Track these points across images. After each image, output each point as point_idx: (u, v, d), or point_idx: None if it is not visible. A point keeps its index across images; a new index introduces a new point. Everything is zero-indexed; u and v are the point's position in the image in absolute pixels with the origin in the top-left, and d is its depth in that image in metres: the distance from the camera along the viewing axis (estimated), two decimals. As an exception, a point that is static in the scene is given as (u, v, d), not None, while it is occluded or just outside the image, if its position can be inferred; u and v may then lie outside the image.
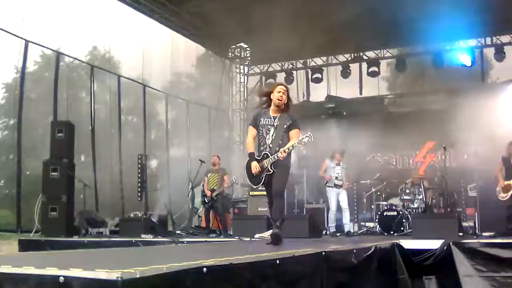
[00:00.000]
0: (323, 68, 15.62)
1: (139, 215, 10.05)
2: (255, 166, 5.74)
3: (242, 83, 16.92)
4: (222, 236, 9.48)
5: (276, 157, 5.60)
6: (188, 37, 14.45)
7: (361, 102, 14.55)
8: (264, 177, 5.76)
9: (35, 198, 9.45)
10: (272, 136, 5.75)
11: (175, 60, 14.31)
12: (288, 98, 5.83)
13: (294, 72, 16.01)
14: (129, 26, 12.90)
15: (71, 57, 12.01)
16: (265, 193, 10.71)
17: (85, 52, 12.67)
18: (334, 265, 4.63)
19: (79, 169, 10.09)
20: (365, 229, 10.52)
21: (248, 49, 16.44)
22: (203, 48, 15.55)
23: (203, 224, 11.16)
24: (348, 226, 10.24)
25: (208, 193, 10.71)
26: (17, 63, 10.66)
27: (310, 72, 15.67)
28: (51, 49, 11.61)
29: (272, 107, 5.83)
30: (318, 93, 15.49)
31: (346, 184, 10.42)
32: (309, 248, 4.65)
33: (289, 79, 15.58)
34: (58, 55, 11.58)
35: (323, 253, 4.54)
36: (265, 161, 5.71)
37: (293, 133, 5.74)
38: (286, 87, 5.91)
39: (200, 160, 10.95)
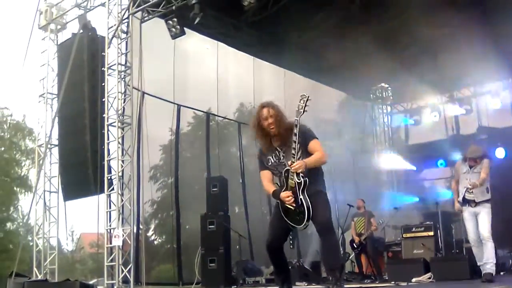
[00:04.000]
0: (472, 98, 14.91)
1: (293, 262, 10.16)
2: (286, 196, 4.45)
3: (386, 123, 16.73)
4: (377, 282, 9.23)
5: (293, 174, 4.41)
6: (328, 84, 14.74)
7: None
8: (301, 199, 4.44)
9: (195, 251, 9.96)
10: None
11: (316, 107, 14.56)
12: (279, 116, 4.61)
13: (440, 106, 15.47)
14: (271, 80, 13.49)
15: (220, 116, 12.80)
16: (421, 234, 10.45)
17: (233, 109, 13.41)
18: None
19: (233, 221, 10.52)
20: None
21: (389, 88, 16.25)
22: (344, 93, 15.69)
23: (356, 270, 10.98)
24: (491, 262, 7.01)
25: (356, 239, 10.57)
26: (171, 126, 11.63)
27: (457, 104, 15.04)
28: (201, 111, 12.49)
29: (272, 137, 4.67)
30: (468, 125, 14.72)
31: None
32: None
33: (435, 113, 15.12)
34: (208, 115, 12.45)
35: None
36: (289, 181, 4.46)
37: (312, 147, 4.58)
38: (269, 105, 4.67)
39: (348, 204, 10.88)
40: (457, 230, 11.14)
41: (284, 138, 4.56)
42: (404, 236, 10.67)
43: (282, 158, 4.58)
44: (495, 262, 7.01)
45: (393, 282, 8.19)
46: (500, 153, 13.05)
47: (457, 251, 10.32)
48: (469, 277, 7.79)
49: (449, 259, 9.33)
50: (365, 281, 9.51)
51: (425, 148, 14.99)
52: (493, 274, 6.94)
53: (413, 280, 8.00)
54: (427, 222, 10.70)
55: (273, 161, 4.63)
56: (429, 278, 8.02)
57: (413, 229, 10.60)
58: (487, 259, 6.99)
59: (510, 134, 13.31)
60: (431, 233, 10.34)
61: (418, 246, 10.17)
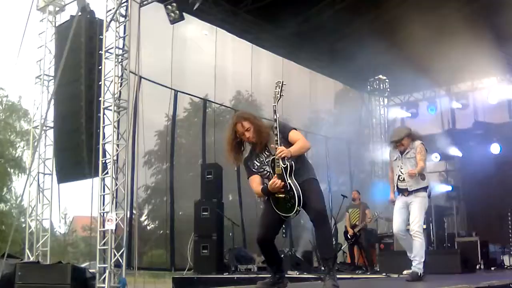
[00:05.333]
0: (469, 93, 14.93)
1: (285, 251, 10.20)
2: (273, 182, 4.36)
3: (382, 115, 16.75)
4: (368, 273, 9.28)
5: (279, 159, 4.34)
6: (326, 74, 14.73)
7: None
8: (289, 184, 4.38)
9: (187, 237, 9.98)
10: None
11: (313, 97, 14.56)
12: (254, 125, 4.53)
13: (437, 100, 15.50)
14: (268, 69, 13.46)
15: (217, 103, 12.76)
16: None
17: (230, 97, 13.37)
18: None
19: (227, 208, 10.54)
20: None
21: (387, 80, 16.27)
22: (341, 84, 15.68)
23: (348, 260, 11.05)
24: (417, 260, 6.23)
25: (350, 230, 10.62)
26: (168, 112, 11.59)
27: (454, 99, 15.06)
28: (198, 97, 12.45)
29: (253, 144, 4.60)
30: (464, 120, 14.76)
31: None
32: (462, 284, 4.43)
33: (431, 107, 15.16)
34: (205, 102, 12.41)
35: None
36: (276, 169, 4.39)
37: (292, 138, 4.52)
38: (240, 119, 4.57)
39: (342, 195, 10.91)
40: (449, 224, 11.22)
41: (262, 145, 4.53)
42: (396, 228, 10.70)
43: (266, 157, 4.54)
44: (423, 260, 6.12)
45: (384, 274, 8.24)
46: (495, 148, 13.11)
47: (449, 244, 10.39)
48: (460, 271, 7.84)
49: (441, 252, 9.41)
50: (357, 272, 9.55)
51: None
52: (420, 274, 6.07)
53: (404, 272, 7.96)
54: (420, 215, 10.74)
55: (258, 164, 4.60)
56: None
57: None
58: (414, 255, 6.15)
59: (505, 130, 13.37)
60: (424, 226, 10.38)
61: (410, 239, 10.22)
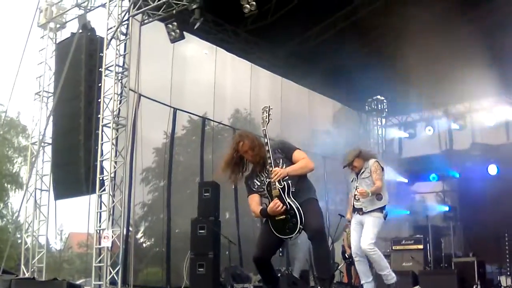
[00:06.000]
0: (466, 114, 15.00)
1: (281, 270, 10.15)
2: (273, 205, 4.37)
3: (380, 135, 16.81)
4: (366, 293, 9.22)
5: (275, 182, 4.38)
6: (324, 94, 14.81)
7: (510, 148, 13.63)
8: (289, 203, 4.39)
9: (184, 255, 9.93)
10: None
11: (312, 117, 14.63)
12: (253, 145, 4.54)
13: (435, 120, 15.57)
14: (267, 88, 13.54)
15: (216, 121, 12.80)
16: (410, 246, 10.46)
17: (228, 115, 13.41)
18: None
19: (224, 226, 10.49)
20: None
21: (385, 101, 16.35)
22: (339, 104, 15.75)
23: (345, 280, 11.01)
24: (386, 273, 6.16)
25: (348, 250, 10.59)
26: (166, 129, 11.62)
27: (452, 120, 15.12)
28: (197, 115, 12.49)
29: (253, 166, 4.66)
30: (462, 141, 14.81)
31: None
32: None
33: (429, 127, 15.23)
34: (204, 120, 12.45)
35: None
36: (273, 192, 4.42)
37: (296, 158, 4.55)
38: (244, 135, 4.64)
39: (339, 214, 10.88)
40: (446, 244, 11.21)
41: (265, 161, 4.51)
42: (393, 248, 10.74)
43: (266, 177, 4.54)
44: (390, 269, 6.08)
45: (381, 294, 8.19)
46: (492, 169, 13.13)
47: (446, 265, 10.37)
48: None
49: (438, 272, 9.41)
50: (353, 292, 9.52)
51: (418, 162, 15.06)
52: (395, 284, 5.95)
53: (402, 292, 8.00)
54: (417, 235, 10.78)
55: (258, 183, 4.61)
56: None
57: (403, 242, 10.67)
58: (381, 269, 6.02)
59: (503, 151, 13.40)
60: (421, 246, 10.41)
61: (407, 259, 10.23)
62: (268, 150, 4.42)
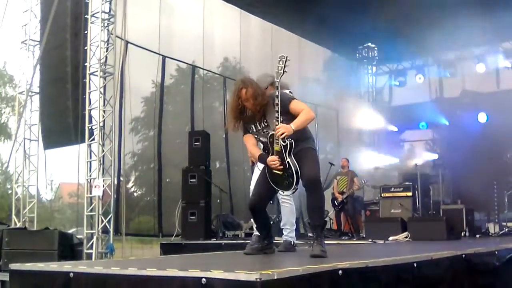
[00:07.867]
0: (457, 62, 14.91)
1: (272, 218, 10.25)
2: (272, 160, 4.25)
3: (371, 84, 16.73)
4: (354, 239, 9.39)
5: (279, 138, 4.18)
6: (315, 41, 14.59)
7: (500, 96, 13.64)
8: (288, 162, 4.24)
9: (175, 204, 10.00)
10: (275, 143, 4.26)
11: (302, 65, 14.47)
12: (255, 94, 4.33)
13: (426, 68, 15.49)
14: (257, 36, 13.30)
15: (205, 69, 12.61)
16: (399, 194, 10.58)
17: (217, 64, 13.21)
18: (475, 268, 4.42)
19: (215, 175, 10.54)
20: (506, 230, 9.82)
21: (375, 48, 16.17)
22: (330, 52, 15.56)
23: (334, 227, 11.19)
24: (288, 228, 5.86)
25: (339, 196, 10.74)
26: (155, 78, 11.45)
27: (442, 67, 15.05)
28: (186, 63, 12.29)
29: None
30: (452, 89, 14.78)
31: None
32: (448, 250, 4.48)
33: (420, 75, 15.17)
34: (193, 68, 12.26)
35: (463, 255, 4.35)
36: (274, 146, 4.25)
37: (294, 109, 4.34)
38: (245, 82, 4.40)
39: (329, 162, 10.96)
40: (435, 191, 11.35)
41: (265, 110, 4.34)
42: (382, 195, 10.86)
43: (264, 126, 4.39)
44: (294, 227, 5.70)
45: (370, 240, 8.34)
46: (482, 117, 13.19)
47: (434, 212, 10.53)
48: (446, 237, 7.95)
49: (426, 219, 9.53)
50: (343, 238, 9.68)
51: (408, 110, 15.06)
52: (293, 243, 5.55)
53: (390, 238, 8.14)
54: (406, 183, 10.88)
55: (255, 130, 4.45)
56: (406, 237, 8.17)
57: (392, 189, 10.79)
58: (284, 223, 5.67)
59: (493, 99, 13.42)
60: (409, 194, 10.53)
61: (396, 206, 10.36)
62: (278, 104, 4.21)
